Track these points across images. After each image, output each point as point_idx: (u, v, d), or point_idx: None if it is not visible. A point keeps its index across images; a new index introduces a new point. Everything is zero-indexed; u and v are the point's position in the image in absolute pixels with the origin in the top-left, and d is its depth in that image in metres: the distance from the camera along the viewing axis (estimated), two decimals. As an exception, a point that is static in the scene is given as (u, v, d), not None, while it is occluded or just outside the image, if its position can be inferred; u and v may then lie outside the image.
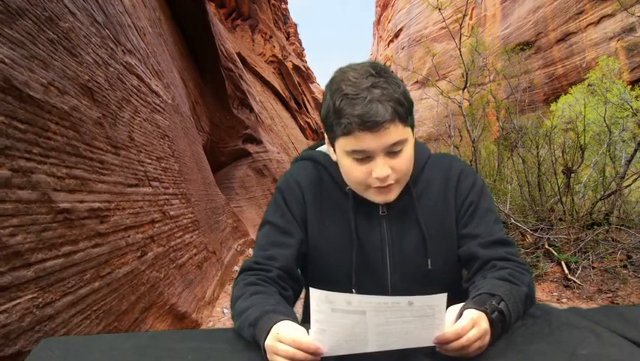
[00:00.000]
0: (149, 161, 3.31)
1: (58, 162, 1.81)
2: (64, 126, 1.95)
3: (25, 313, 1.33)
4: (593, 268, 5.11)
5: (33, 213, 1.52)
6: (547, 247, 5.92)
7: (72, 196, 1.86)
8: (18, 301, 1.33)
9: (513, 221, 6.45)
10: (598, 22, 21.43)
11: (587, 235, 5.76)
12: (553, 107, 16.62)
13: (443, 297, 0.57)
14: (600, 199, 6.19)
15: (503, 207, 6.81)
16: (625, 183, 6.07)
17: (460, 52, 7.55)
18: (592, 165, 7.56)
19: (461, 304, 0.65)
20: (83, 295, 1.78)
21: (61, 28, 2.19)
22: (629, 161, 6.17)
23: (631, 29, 19.60)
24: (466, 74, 7.63)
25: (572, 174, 6.57)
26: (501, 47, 27.23)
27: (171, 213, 3.61)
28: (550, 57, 23.87)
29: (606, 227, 5.80)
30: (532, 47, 24.63)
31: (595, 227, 5.80)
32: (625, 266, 4.82)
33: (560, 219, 6.36)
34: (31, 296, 1.39)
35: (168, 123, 4.36)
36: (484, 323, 0.61)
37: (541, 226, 6.52)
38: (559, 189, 6.29)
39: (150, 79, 4.20)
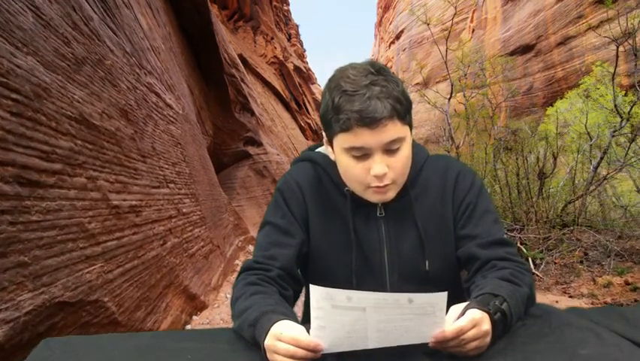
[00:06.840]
0: (167, 166, 3.96)
1: (110, 170, 2.46)
2: (112, 143, 2.59)
3: (98, 275, 1.98)
4: (555, 263, 5.74)
5: (99, 208, 2.16)
6: (518, 245, 6.56)
7: (119, 196, 2.51)
8: (93, 267, 1.97)
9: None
10: (598, 26, 21.00)
11: (553, 234, 6.40)
12: (549, 110, 17.10)
13: (444, 296, 0.58)
14: (568, 203, 6.84)
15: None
16: (591, 188, 6.70)
17: (447, 64, 8.21)
18: (567, 170, 8.18)
19: (464, 304, 0.65)
20: (128, 269, 2.43)
21: (106, 66, 2.84)
22: (596, 168, 6.80)
23: (630, 33, 19.83)
24: (451, 85, 8.28)
25: (546, 179, 7.22)
26: (501, 49, 27.44)
27: (184, 210, 4.25)
28: (550, 60, 23.99)
29: (572, 228, 6.44)
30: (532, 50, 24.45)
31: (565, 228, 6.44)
32: (581, 262, 5.46)
33: (532, 221, 6.99)
34: (100, 265, 2.03)
35: (180, 132, 5.00)
36: (485, 324, 0.61)
37: (516, 226, 7.16)
38: (534, 192, 6.94)
39: (165, 93, 4.85)
